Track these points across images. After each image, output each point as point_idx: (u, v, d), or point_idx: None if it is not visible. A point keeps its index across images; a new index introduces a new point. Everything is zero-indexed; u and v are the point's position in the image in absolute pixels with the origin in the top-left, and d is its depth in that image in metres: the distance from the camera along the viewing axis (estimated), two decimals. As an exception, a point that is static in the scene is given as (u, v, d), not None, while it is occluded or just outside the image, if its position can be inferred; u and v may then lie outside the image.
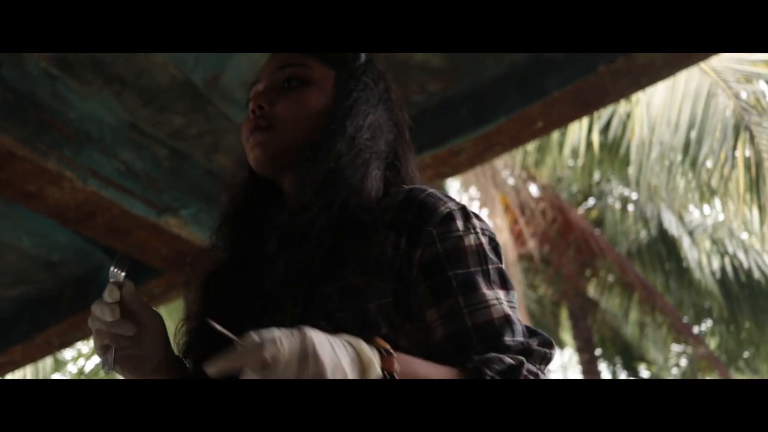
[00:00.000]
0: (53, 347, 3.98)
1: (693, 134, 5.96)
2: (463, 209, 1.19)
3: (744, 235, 8.43)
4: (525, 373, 1.05)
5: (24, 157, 2.60)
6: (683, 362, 10.89)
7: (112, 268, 1.24)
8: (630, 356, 10.55)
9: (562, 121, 3.29)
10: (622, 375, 10.92)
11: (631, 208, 7.99)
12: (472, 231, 1.17)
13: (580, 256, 7.63)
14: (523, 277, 7.42)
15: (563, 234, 7.30)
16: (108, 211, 2.87)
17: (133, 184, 2.95)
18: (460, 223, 1.16)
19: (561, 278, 7.75)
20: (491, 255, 1.17)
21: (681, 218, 7.88)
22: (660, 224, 7.78)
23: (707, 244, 8.13)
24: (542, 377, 1.08)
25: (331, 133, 1.23)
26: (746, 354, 9.73)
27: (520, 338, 1.10)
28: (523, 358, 1.07)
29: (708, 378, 9.32)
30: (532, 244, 7.13)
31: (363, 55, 1.35)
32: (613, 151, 7.08)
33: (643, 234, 8.09)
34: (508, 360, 1.05)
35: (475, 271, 1.13)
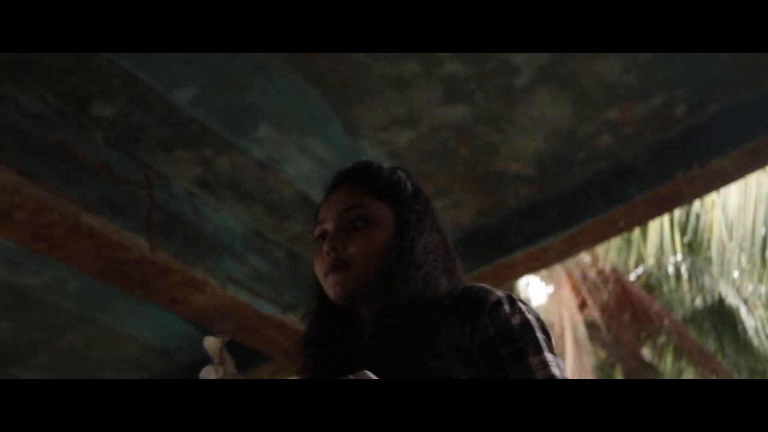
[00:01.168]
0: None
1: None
2: (509, 296, 1.40)
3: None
4: None
5: (177, 269, 2.97)
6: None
7: (214, 346, 1.28)
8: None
9: (642, 221, 3.62)
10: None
11: (685, 275, 8.27)
12: (517, 312, 1.36)
13: (636, 323, 7.88)
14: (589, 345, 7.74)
15: (621, 303, 7.59)
16: (242, 312, 3.23)
17: (261, 287, 3.30)
18: (507, 307, 1.36)
19: (620, 344, 8.03)
20: (537, 328, 1.35)
21: (735, 287, 8.14)
22: (717, 293, 8.05)
23: (761, 311, 8.37)
24: None
25: (403, 265, 1.43)
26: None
27: None
28: None
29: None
30: (596, 314, 7.45)
31: (410, 186, 1.54)
32: (693, 249, 7.56)
33: (698, 301, 8.36)
34: None
35: (523, 343, 1.31)
